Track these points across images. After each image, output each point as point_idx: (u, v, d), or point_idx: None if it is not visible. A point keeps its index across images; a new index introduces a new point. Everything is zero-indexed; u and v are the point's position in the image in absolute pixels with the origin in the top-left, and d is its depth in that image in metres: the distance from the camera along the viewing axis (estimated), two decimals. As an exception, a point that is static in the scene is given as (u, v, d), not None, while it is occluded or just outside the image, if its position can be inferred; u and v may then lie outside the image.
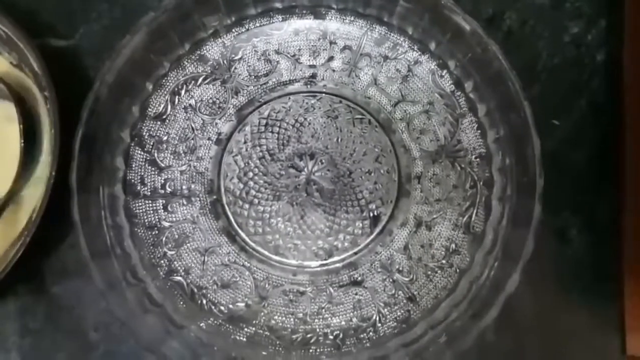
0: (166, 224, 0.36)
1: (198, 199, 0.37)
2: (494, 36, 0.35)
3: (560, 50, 0.40)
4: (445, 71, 0.37)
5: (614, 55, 0.39)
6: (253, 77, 0.38)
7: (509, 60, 0.34)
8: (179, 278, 0.35)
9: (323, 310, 0.35)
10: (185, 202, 0.37)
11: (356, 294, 0.35)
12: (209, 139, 0.37)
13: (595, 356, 0.35)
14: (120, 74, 0.34)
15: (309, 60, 0.38)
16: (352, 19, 0.38)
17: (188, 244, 0.36)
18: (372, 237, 0.36)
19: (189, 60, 0.38)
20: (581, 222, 0.37)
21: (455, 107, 0.37)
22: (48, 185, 0.33)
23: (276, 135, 0.37)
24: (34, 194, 0.36)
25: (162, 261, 0.36)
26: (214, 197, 0.37)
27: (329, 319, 0.35)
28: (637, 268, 0.35)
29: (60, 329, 0.37)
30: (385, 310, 0.35)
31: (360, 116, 0.38)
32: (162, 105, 0.38)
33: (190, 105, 0.38)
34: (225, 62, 0.38)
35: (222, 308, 0.35)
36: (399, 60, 0.38)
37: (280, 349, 0.34)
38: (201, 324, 0.34)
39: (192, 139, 0.37)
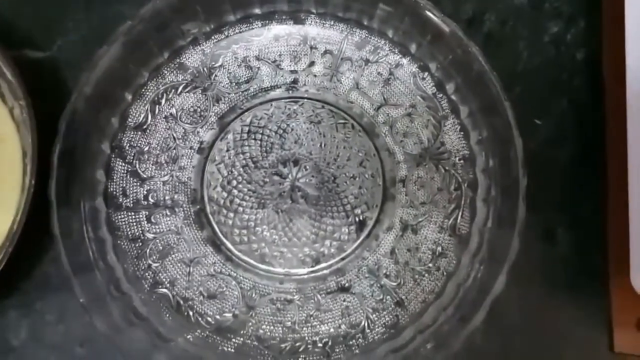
0: (150, 236, 0.36)
1: (182, 209, 0.36)
2: (474, 37, 0.35)
3: (541, 50, 0.40)
4: (426, 73, 0.37)
5: (593, 54, 0.39)
6: (234, 84, 0.38)
7: (489, 61, 0.34)
8: (165, 290, 0.35)
9: (311, 318, 0.35)
10: (168, 213, 0.36)
11: (344, 300, 0.35)
12: (191, 148, 0.37)
13: (583, 354, 0.35)
14: (98, 85, 0.34)
15: (290, 65, 0.38)
16: (332, 23, 0.38)
17: (173, 255, 0.36)
18: (358, 242, 0.36)
19: (168, 69, 0.38)
20: (566, 221, 0.37)
21: (438, 110, 0.37)
22: (28, 195, 0.32)
23: (259, 142, 0.37)
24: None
25: (146, 273, 0.35)
26: (198, 206, 0.36)
27: (318, 326, 0.34)
28: (622, 264, 0.35)
29: (44, 345, 0.36)
30: (374, 316, 0.34)
31: (343, 121, 0.37)
32: (142, 115, 0.37)
33: (171, 114, 0.37)
34: (205, 69, 0.38)
35: (209, 319, 0.35)
36: (380, 63, 0.38)
37: (269, 358, 0.34)
38: (188, 337, 0.34)
39: (174, 148, 0.37)
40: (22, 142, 0.36)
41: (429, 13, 0.34)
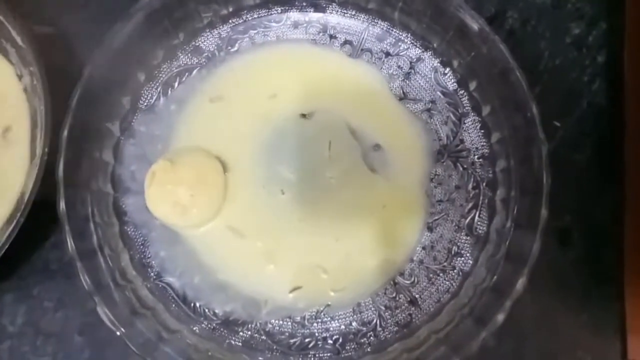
0: (158, 223, 0.34)
1: (191, 196, 0.35)
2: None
3: (562, 51, 0.39)
4: (448, 69, 0.36)
5: (615, 56, 0.39)
6: (250, 70, 0.37)
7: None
8: (172, 279, 0.34)
9: (322, 313, 0.33)
10: (177, 200, 0.35)
11: (356, 296, 0.34)
12: (203, 133, 0.36)
13: (596, 360, 0.35)
14: (111, 63, 0.33)
15: (309, 54, 0.37)
16: (354, 13, 0.37)
17: (180, 244, 0.34)
18: (372, 238, 0.35)
19: (183, 51, 0.37)
20: (582, 224, 0.37)
21: (458, 106, 0.36)
22: (41, 163, 0.31)
23: (274, 131, 0.36)
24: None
25: (153, 261, 0.34)
26: (208, 194, 0.35)
27: (328, 322, 0.33)
28: (638, 270, 0.35)
29: (41, 332, 0.35)
30: (386, 314, 0.33)
31: (360, 113, 0.36)
32: (154, 97, 0.36)
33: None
34: (221, 54, 0.37)
35: (216, 311, 0.33)
36: (401, 57, 0.37)
37: (278, 354, 0.33)
38: (195, 328, 0.33)
39: (186, 133, 0.36)
40: (31, 111, 0.34)
41: (454, 7, 0.33)
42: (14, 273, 0.35)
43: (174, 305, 0.33)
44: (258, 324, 0.33)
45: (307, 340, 0.33)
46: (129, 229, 0.34)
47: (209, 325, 0.33)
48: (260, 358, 0.32)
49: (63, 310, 0.35)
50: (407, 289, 0.34)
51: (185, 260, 0.34)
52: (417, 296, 0.34)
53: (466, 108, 0.36)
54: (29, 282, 0.35)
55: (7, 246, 0.30)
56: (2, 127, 0.35)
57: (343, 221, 0.34)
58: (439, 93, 0.36)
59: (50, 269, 0.35)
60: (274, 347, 0.33)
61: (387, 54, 0.37)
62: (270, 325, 0.33)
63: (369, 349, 0.33)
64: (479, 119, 0.36)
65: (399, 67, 0.37)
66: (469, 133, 0.36)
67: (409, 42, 0.37)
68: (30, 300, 0.35)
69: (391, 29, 0.37)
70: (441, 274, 0.34)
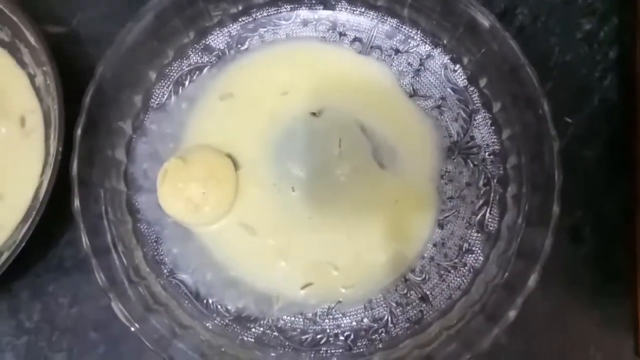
0: (170, 220, 0.35)
1: (203, 194, 0.35)
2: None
3: (573, 47, 0.39)
4: (458, 66, 0.36)
5: (626, 52, 0.39)
6: (260, 68, 0.37)
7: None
8: (184, 276, 0.34)
9: (333, 310, 0.34)
10: (190, 197, 0.35)
11: (367, 293, 0.34)
12: (214, 131, 0.36)
13: (607, 358, 0.35)
14: (123, 62, 0.33)
15: (319, 51, 0.37)
16: (363, 10, 0.37)
17: (193, 241, 0.35)
18: (383, 235, 0.35)
19: (193, 50, 0.37)
20: (593, 221, 0.37)
21: (469, 103, 0.36)
22: (56, 162, 0.31)
23: (285, 129, 0.36)
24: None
25: (166, 258, 0.34)
26: (220, 192, 0.35)
27: (340, 319, 0.34)
28: (649, 268, 0.35)
29: (57, 329, 0.35)
30: (398, 310, 0.34)
31: (370, 110, 0.36)
32: (166, 96, 0.36)
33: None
34: (231, 52, 0.37)
35: (229, 307, 0.34)
36: (411, 53, 0.37)
37: (290, 350, 0.33)
38: (207, 324, 0.33)
39: (197, 131, 0.36)
40: (45, 110, 0.35)
41: (466, 4, 0.33)
42: (30, 270, 0.36)
43: (187, 302, 0.33)
44: (270, 320, 0.34)
45: (318, 336, 0.33)
46: (142, 227, 0.34)
47: (222, 322, 0.33)
48: (272, 354, 0.33)
49: (78, 307, 0.35)
50: (418, 286, 0.34)
51: (198, 257, 0.34)
52: (428, 293, 0.34)
53: (477, 105, 0.36)
54: (44, 279, 0.36)
55: (23, 244, 0.31)
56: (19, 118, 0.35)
57: (353, 218, 0.34)
58: (449, 90, 0.36)
59: (65, 266, 0.36)
60: (286, 344, 0.33)
61: (397, 51, 0.37)
62: (282, 322, 0.34)
63: (380, 345, 0.33)
64: (490, 116, 0.36)
65: (408, 64, 0.37)
66: (479, 130, 0.36)
67: (418, 39, 0.37)
68: (45, 297, 0.36)
69: (401, 25, 0.37)
70: (452, 271, 0.34)
